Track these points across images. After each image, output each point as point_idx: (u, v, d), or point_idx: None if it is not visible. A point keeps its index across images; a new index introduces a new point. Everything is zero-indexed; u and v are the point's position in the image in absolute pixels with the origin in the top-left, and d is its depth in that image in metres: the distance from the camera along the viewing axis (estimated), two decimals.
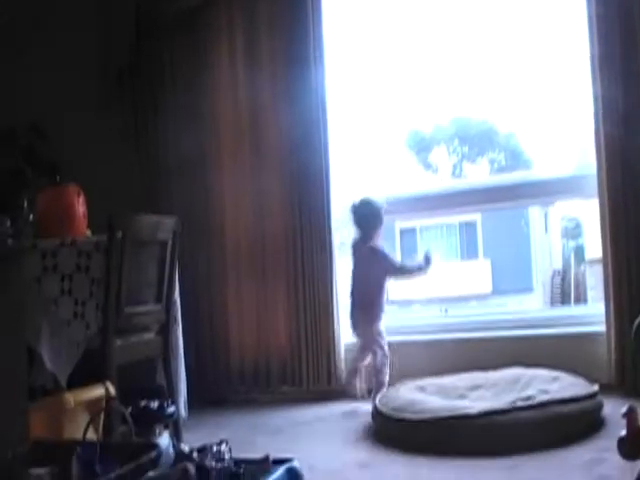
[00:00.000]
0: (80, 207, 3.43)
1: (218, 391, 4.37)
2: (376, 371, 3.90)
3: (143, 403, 2.50)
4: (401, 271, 3.99)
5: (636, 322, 2.39)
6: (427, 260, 3.92)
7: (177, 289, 3.62)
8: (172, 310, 3.53)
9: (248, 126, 4.42)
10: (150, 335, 3.44)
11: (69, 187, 3.45)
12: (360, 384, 4.02)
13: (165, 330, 3.48)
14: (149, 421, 2.40)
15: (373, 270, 3.94)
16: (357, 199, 4.00)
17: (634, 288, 3.59)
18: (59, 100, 4.59)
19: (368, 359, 4.00)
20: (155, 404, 2.49)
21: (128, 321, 3.20)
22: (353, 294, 4.02)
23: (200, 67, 4.52)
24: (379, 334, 3.94)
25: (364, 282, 3.97)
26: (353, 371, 4.04)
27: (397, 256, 4.32)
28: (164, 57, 4.57)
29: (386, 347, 3.93)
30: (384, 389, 3.75)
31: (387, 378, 3.86)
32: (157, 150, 4.57)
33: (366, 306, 3.96)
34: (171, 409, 2.54)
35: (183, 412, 3.58)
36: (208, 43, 4.50)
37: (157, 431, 2.44)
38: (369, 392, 3.91)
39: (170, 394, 3.34)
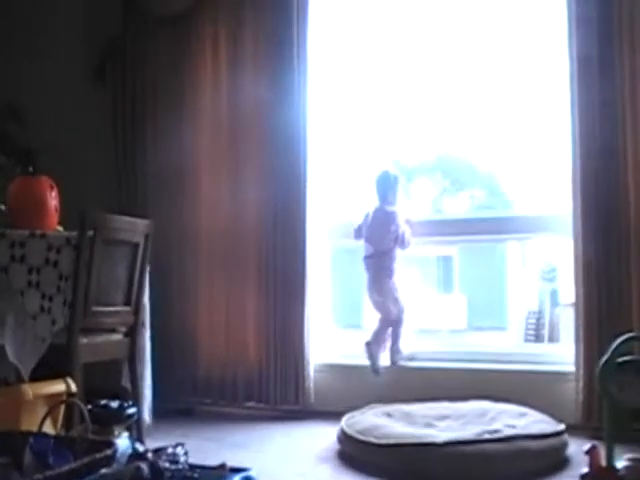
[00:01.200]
0: (52, 201, 3.37)
1: (184, 400, 4.31)
2: (394, 323, 4.21)
3: (103, 402, 2.45)
4: (401, 239, 4.22)
5: (600, 364, 2.39)
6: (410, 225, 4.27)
7: (147, 293, 3.58)
8: (140, 313, 3.49)
9: (228, 131, 4.41)
10: (117, 336, 3.40)
11: (42, 179, 3.40)
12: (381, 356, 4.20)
13: (132, 333, 3.44)
14: (108, 420, 2.36)
15: (388, 231, 4.21)
16: (377, 172, 4.35)
17: (604, 330, 3.59)
18: (38, 90, 4.58)
19: (389, 330, 4.23)
20: (115, 404, 2.45)
21: (95, 320, 3.17)
22: (368, 257, 4.26)
23: (183, 71, 4.51)
24: (396, 290, 4.22)
25: (379, 242, 4.22)
26: (376, 343, 4.19)
27: None
28: (147, 59, 4.55)
29: (402, 302, 4.23)
30: (399, 343, 4.18)
31: (403, 331, 4.22)
32: (134, 151, 4.54)
33: (383, 263, 4.21)
34: (131, 410, 2.50)
35: (147, 417, 3.54)
36: (192, 47, 4.49)
37: (116, 431, 2.40)
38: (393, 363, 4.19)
39: (134, 397, 3.28)
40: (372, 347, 4.20)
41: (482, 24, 5.14)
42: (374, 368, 4.15)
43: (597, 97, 3.71)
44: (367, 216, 4.32)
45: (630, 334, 2.55)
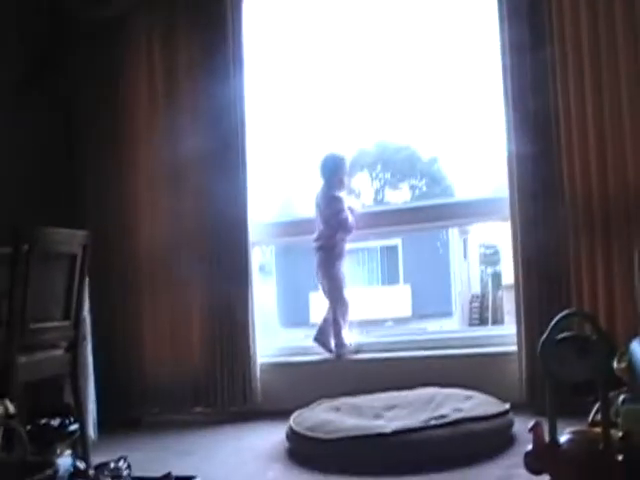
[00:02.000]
0: None
1: (131, 412, 4.26)
2: (334, 322, 4.23)
3: (43, 421, 2.39)
4: (344, 224, 4.25)
5: (540, 342, 2.43)
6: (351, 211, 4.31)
7: (87, 305, 3.52)
8: (81, 326, 3.42)
9: (165, 140, 4.37)
10: (57, 352, 3.31)
11: None
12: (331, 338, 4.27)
13: (73, 347, 3.36)
14: (49, 439, 2.30)
15: (333, 215, 4.25)
16: (323, 155, 4.38)
17: (544, 309, 3.65)
18: None
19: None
20: (56, 422, 2.39)
21: (33, 337, 3.07)
22: (318, 239, 4.28)
23: (117, 81, 4.47)
24: (341, 278, 4.27)
25: (327, 226, 4.26)
26: (324, 327, 4.27)
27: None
28: (80, 68, 4.50)
29: (345, 295, 4.27)
30: (343, 337, 4.21)
31: (346, 325, 4.26)
32: (70, 160, 4.47)
33: (329, 247, 4.25)
34: (73, 427, 2.45)
35: (92, 432, 3.47)
36: (126, 56, 4.45)
37: (58, 450, 2.34)
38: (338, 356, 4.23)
39: (78, 413, 3.21)
40: (322, 339, 4.25)
41: (417, 15, 5.19)
42: (338, 354, 4.20)
43: (530, 83, 3.79)
44: (316, 200, 4.35)
45: (568, 310, 2.60)
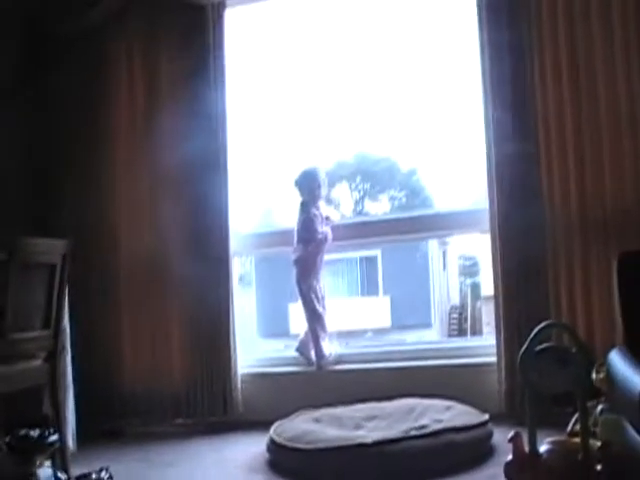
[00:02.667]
0: None
1: (111, 423, 4.24)
2: (312, 334, 4.24)
3: (23, 432, 2.37)
4: (324, 240, 4.28)
5: (520, 353, 2.44)
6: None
7: (67, 315, 3.49)
8: (60, 337, 3.39)
9: (146, 151, 4.37)
10: (37, 362, 3.29)
11: None
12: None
13: (53, 357, 3.33)
14: (28, 451, 2.28)
15: (313, 234, 4.26)
16: (298, 172, 4.38)
17: (523, 320, 3.68)
18: None
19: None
20: (35, 433, 2.37)
21: (13, 347, 3.06)
22: (294, 252, 4.30)
23: (96, 90, 4.47)
24: (313, 292, 4.27)
25: (302, 244, 4.27)
26: (305, 339, 4.28)
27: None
28: (60, 78, 4.47)
29: (318, 308, 4.26)
30: (322, 348, 4.21)
31: (325, 336, 4.27)
32: (49, 167, 4.47)
33: (303, 260, 4.26)
34: (52, 438, 2.42)
35: (71, 443, 3.44)
36: (105, 69, 4.47)
37: (38, 461, 2.32)
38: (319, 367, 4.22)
39: (57, 424, 3.18)
40: (303, 350, 4.28)
41: (395, 26, 5.22)
42: (319, 365, 4.21)
43: (510, 94, 3.82)
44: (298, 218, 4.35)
45: (547, 322, 2.62)
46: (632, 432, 2.32)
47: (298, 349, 4.31)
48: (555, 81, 3.75)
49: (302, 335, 4.34)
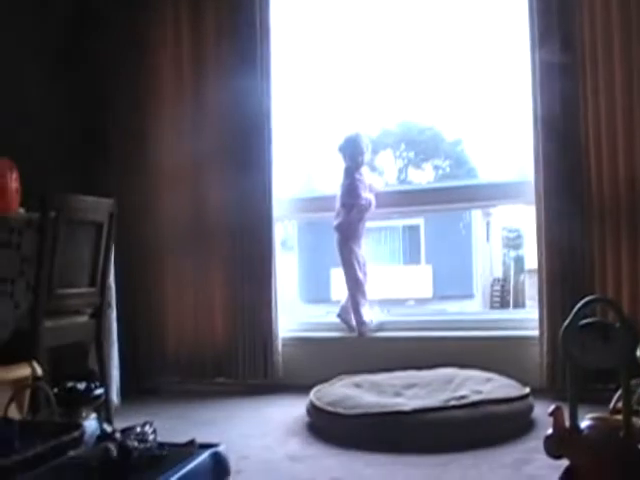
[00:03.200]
0: (13, 183, 3.29)
1: (152, 380, 4.32)
2: (352, 300, 4.26)
3: (69, 385, 2.43)
4: (367, 207, 4.27)
5: (563, 327, 2.42)
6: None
7: (112, 273, 3.55)
8: (106, 294, 3.46)
9: (190, 113, 4.39)
10: (83, 318, 3.36)
11: (2, 161, 3.30)
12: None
13: (98, 314, 3.41)
14: (75, 402, 2.34)
15: (356, 199, 4.26)
16: (342, 138, 4.38)
17: (567, 294, 3.65)
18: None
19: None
20: (82, 386, 2.43)
21: (59, 303, 3.12)
22: (335, 217, 4.32)
23: (144, 64, 4.50)
24: (354, 258, 4.28)
25: (344, 209, 4.28)
26: (346, 305, 4.31)
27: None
28: (107, 38, 4.50)
29: (359, 274, 4.27)
30: (363, 315, 4.23)
31: (365, 303, 4.27)
32: (100, 133, 4.50)
33: (345, 227, 4.28)
34: (98, 391, 2.48)
35: (115, 398, 3.52)
36: (154, 27, 4.47)
37: (83, 413, 2.38)
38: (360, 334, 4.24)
39: (102, 379, 3.26)
40: (344, 316, 4.29)
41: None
42: (360, 331, 4.23)
43: (558, 69, 3.74)
44: (341, 183, 4.36)
45: (592, 296, 2.58)
46: None
47: (339, 315, 4.33)
48: (605, 56, 3.66)
49: (343, 301, 4.35)
